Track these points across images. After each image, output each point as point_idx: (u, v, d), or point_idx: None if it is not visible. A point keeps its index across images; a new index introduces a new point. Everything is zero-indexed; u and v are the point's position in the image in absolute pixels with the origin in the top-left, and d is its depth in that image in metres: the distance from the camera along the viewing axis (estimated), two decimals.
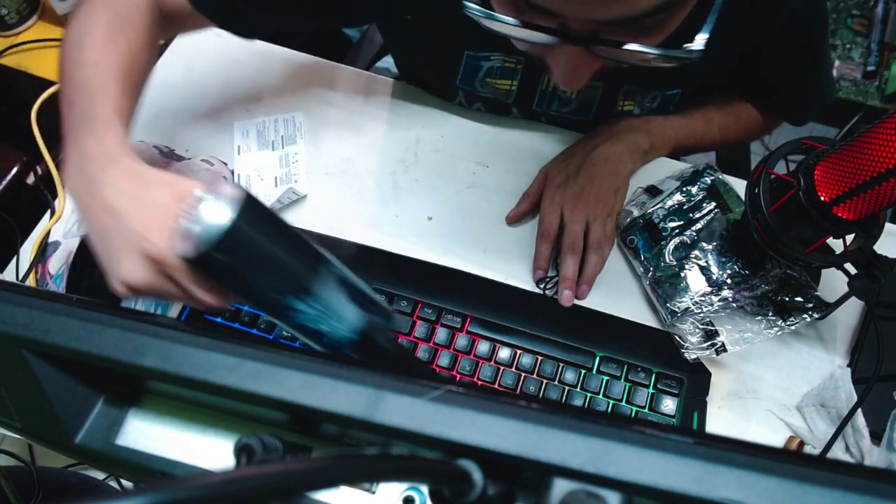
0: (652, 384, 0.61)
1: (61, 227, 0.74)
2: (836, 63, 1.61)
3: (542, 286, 0.68)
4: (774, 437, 0.62)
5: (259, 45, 0.85)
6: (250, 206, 0.35)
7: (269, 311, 0.38)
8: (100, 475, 0.61)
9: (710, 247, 0.65)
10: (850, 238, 0.57)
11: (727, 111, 0.79)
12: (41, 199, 0.75)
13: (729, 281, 0.63)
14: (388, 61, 1.14)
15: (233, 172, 0.75)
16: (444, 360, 0.62)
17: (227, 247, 0.34)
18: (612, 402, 0.61)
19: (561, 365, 0.62)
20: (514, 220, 0.72)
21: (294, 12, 0.66)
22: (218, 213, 0.34)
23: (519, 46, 0.46)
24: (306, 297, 0.37)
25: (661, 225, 0.67)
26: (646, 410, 0.60)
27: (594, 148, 0.71)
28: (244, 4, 0.62)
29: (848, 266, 0.58)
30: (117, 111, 0.48)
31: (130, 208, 0.42)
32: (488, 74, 0.71)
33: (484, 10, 0.41)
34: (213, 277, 0.39)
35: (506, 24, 0.41)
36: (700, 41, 0.41)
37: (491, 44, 0.68)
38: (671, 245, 0.66)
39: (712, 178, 0.69)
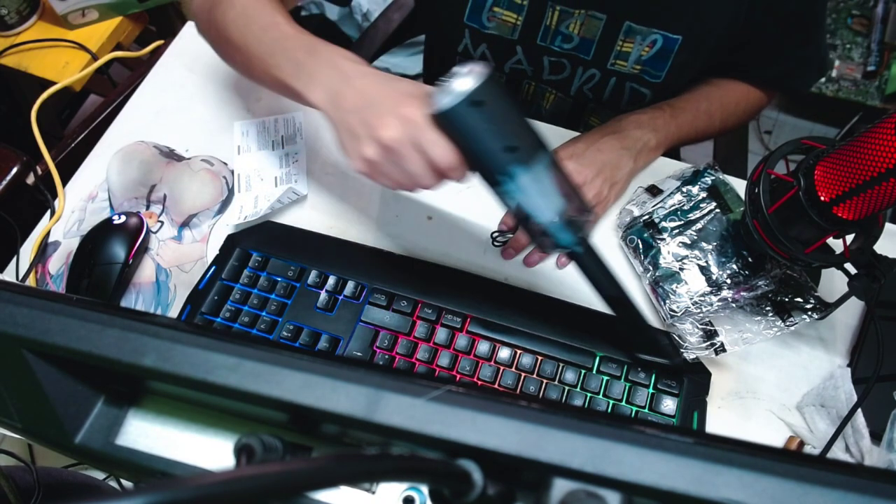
0: (652, 384, 0.61)
1: (61, 227, 0.74)
2: (836, 63, 1.61)
3: (494, 235, 0.71)
4: (774, 437, 0.62)
5: None
6: (493, 79, 0.43)
7: (490, 174, 0.46)
8: (100, 475, 0.61)
9: (710, 247, 0.65)
10: (850, 238, 0.57)
11: (726, 99, 0.80)
12: (41, 199, 0.75)
13: (729, 281, 0.63)
14: (387, 61, 1.14)
15: (233, 172, 0.75)
16: (444, 360, 0.62)
17: (472, 102, 0.43)
18: (612, 402, 0.61)
19: (561, 365, 0.62)
20: None
21: None
22: (466, 82, 0.43)
23: None
24: (524, 166, 0.45)
25: (662, 224, 0.67)
26: (646, 410, 0.60)
27: (602, 136, 0.72)
28: None
29: (848, 266, 0.58)
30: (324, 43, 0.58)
31: (387, 88, 0.50)
32: (496, 3, 0.74)
33: None
34: (454, 133, 0.46)
35: None
36: None
37: None
38: (671, 245, 0.66)
39: (713, 177, 0.69)
